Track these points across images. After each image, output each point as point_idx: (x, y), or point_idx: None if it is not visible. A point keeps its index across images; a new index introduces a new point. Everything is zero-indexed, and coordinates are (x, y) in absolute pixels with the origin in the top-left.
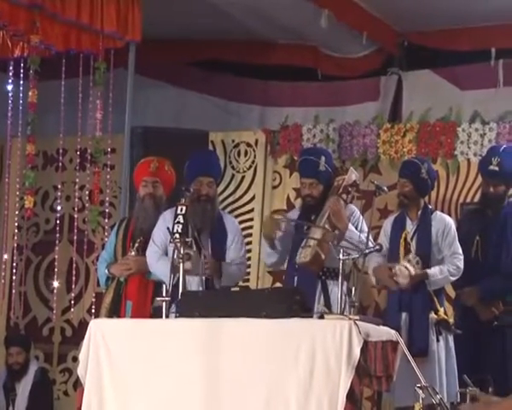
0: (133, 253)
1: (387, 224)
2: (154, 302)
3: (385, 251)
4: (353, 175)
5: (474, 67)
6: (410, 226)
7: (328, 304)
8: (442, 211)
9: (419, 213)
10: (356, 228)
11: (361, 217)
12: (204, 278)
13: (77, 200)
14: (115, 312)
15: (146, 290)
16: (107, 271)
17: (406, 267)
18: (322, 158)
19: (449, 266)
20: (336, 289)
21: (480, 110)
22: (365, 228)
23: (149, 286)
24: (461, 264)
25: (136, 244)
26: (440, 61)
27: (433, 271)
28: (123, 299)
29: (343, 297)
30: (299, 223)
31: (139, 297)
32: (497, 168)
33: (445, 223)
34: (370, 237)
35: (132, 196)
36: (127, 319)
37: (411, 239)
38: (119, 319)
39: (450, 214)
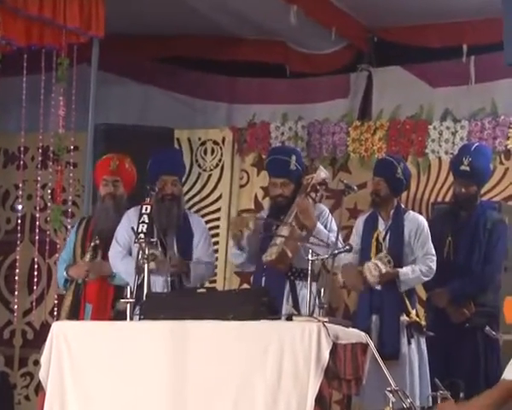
0: (88, 255)
1: (359, 223)
2: (116, 305)
3: (357, 251)
4: (322, 173)
5: (445, 64)
6: (383, 226)
7: (296, 305)
8: (413, 210)
9: (391, 212)
10: (325, 228)
11: (330, 216)
12: (169, 278)
13: (39, 199)
14: (75, 315)
15: (106, 293)
16: (65, 273)
17: (376, 265)
18: (293, 157)
19: (421, 267)
20: (305, 291)
21: (452, 108)
22: (335, 228)
23: (110, 289)
24: (433, 265)
25: (92, 244)
26: (411, 58)
27: (405, 270)
28: (82, 302)
29: (312, 299)
30: (267, 221)
31: (99, 300)
32: (468, 168)
33: (417, 223)
34: (340, 238)
35: (96, 195)
36: (90, 321)
37: (383, 239)
38: (82, 322)
39: (421, 214)
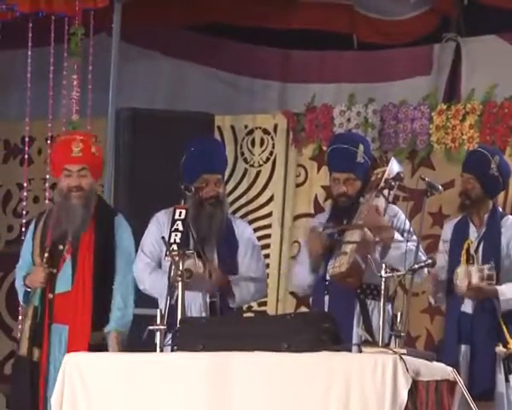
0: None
1: (447, 231)
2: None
3: (444, 265)
4: (396, 166)
5: None
6: (475, 234)
7: (369, 330)
8: None
9: (485, 217)
10: (401, 235)
11: (407, 221)
12: (209, 299)
13: (47, 201)
14: (38, 342)
15: (84, 309)
16: (23, 283)
17: (470, 272)
18: (361, 147)
19: None
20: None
21: None
22: (414, 236)
23: (87, 302)
24: None
25: (46, 254)
26: (510, 24)
27: (506, 288)
28: (45, 322)
29: (385, 325)
30: (331, 228)
31: (76, 319)
32: None
33: None
34: (421, 249)
35: (118, 195)
36: (109, 353)
37: (475, 251)
38: (102, 354)
39: None
